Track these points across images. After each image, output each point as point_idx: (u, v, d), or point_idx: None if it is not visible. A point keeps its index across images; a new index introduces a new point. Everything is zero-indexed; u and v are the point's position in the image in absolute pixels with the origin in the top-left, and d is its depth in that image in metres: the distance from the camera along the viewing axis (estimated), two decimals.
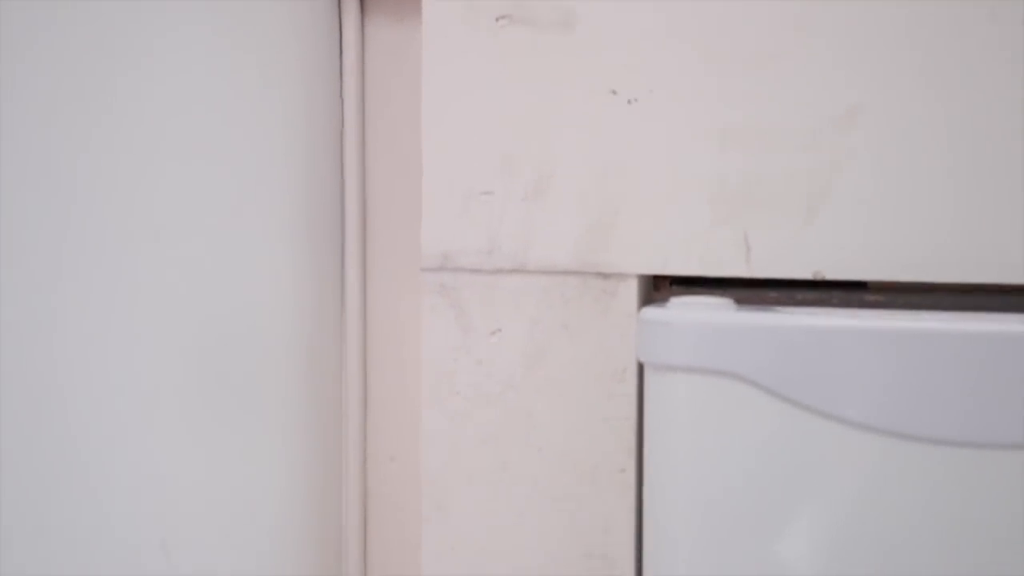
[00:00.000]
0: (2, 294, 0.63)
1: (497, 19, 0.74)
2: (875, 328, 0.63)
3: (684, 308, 0.67)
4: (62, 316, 0.67)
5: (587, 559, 0.74)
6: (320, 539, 0.86)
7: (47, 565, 0.67)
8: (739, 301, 0.69)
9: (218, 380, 0.78)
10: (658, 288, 0.79)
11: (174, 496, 0.75)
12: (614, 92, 0.72)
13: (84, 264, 0.68)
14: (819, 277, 0.70)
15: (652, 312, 0.68)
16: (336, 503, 0.86)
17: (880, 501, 0.64)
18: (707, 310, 0.66)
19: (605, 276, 0.73)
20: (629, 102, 0.72)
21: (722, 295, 0.70)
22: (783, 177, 0.70)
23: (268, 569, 0.82)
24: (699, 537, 0.68)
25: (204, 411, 0.76)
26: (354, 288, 0.84)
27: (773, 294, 0.74)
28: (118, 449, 0.71)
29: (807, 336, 0.64)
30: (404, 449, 0.85)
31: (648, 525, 0.71)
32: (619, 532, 0.74)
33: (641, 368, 0.72)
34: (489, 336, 0.75)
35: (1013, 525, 0.61)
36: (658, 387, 0.68)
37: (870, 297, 0.73)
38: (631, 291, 0.73)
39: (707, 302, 0.67)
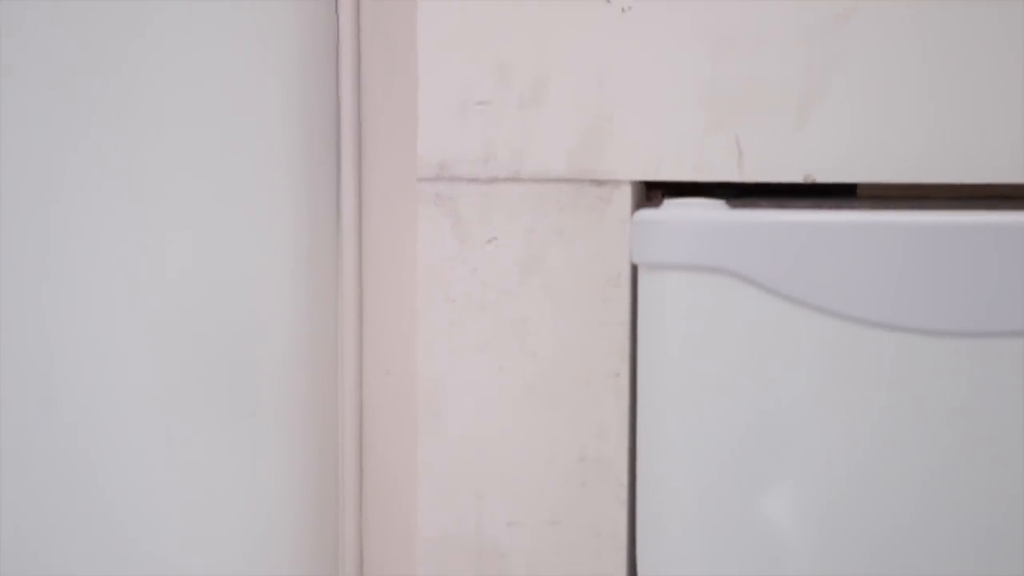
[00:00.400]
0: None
1: None
2: (868, 222, 0.64)
3: (678, 208, 0.68)
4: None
5: (582, 462, 0.76)
6: (317, 455, 0.87)
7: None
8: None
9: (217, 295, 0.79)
10: (651, 200, 0.80)
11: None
12: (608, 0, 0.73)
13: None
14: (810, 180, 0.71)
15: (646, 213, 0.69)
16: (332, 418, 0.87)
17: (876, 394, 0.65)
18: (701, 209, 0.68)
19: (600, 183, 0.74)
20: (623, 10, 0.73)
21: None
22: (775, 81, 0.71)
23: (265, 474, 0.84)
24: (693, 438, 0.69)
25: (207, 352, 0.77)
26: (349, 202, 0.84)
27: (764, 203, 0.75)
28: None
29: (801, 231, 0.65)
30: (399, 363, 0.86)
31: (642, 427, 0.72)
32: (613, 435, 0.75)
33: (635, 273, 0.74)
34: (485, 244, 0.76)
35: (1014, 412, 0.63)
36: (652, 288, 0.69)
37: (860, 204, 0.74)
38: (625, 197, 0.74)
39: (700, 203, 0.69)
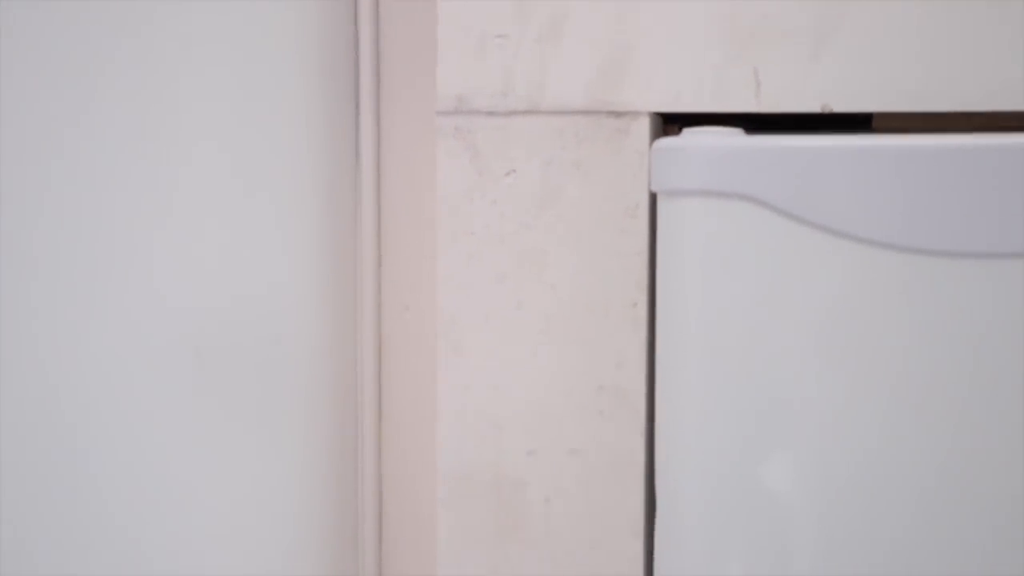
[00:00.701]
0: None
1: None
2: (881, 146, 0.65)
3: (696, 135, 0.69)
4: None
5: (599, 392, 0.77)
6: (337, 388, 0.88)
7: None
8: None
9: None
10: (668, 135, 0.81)
11: None
12: None
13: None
14: (827, 110, 0.72)
15: (666, 141, 0.70)
16: (352, 353, 0.88)
17: (889, 314, 0.66)
18: (719, 136, 0.68)
19: (618, 115, 0.75)
20: None
21: None
22: (792, 13, 0.72)
23: (286, 407, 0.85)
24: (711, 364, 0.70)
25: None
26: (368, 137, 0.85)
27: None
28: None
29: (816, 156, 0.66)
30: (418, 299, 0.87)
31: (661, 356, 0.73)
32: (631, 366, 0.76)
33: (653, 205, 0.74)
34: (503, 177, 0.77)
35: (1016, 331, 0.64)
36: (671, 215, 0.70)
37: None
38: (643, 129, 0.75)
39: (719, 131, 0.69)
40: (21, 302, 0.64)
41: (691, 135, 0.69)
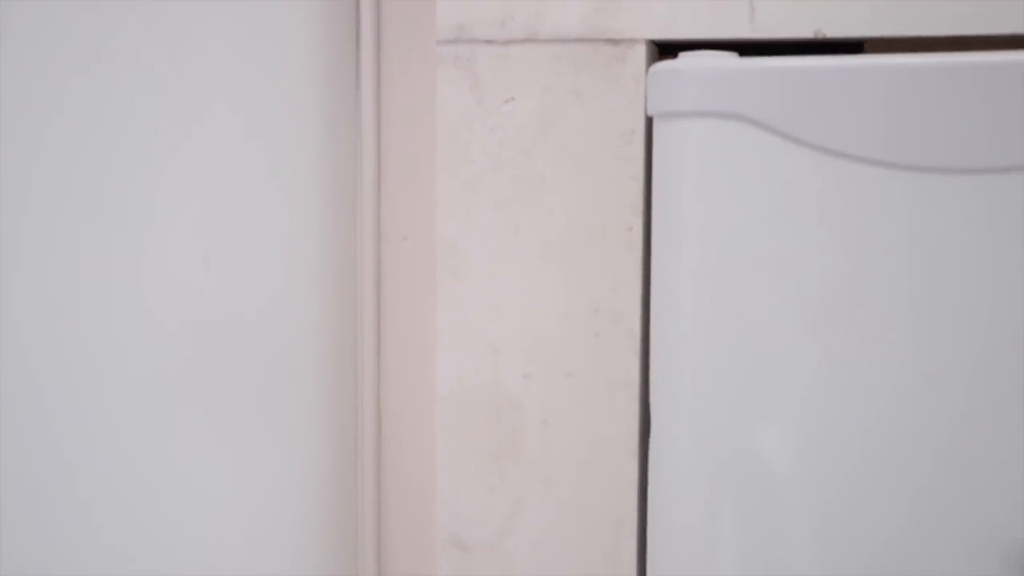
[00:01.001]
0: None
1: None
2: (872, 64, 0.67)
3: (692, 58, 0.70)
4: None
5: (595, 315, 0.79)
6: (337, 323, 0.89)
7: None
8: None
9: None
10: None
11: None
12: None
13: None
14: (820, 36, 0.73)
15: (662, 64, 0.71)
16: (352, 282, 0.89)
17: (888, 234, 0.67)
18: (715, 58, 0.70)
19: (614, 42, 0.76)
20: None
21: None
22: None
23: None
24: (705, 285, 0.71)
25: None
26: (368, 66, 0.86)
27: None
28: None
29: (811, 76, 0.67)
30: (417, 228, 0.88)
31: (655, 278, 0.75)
32: (627, 289, 0.78)
33: (649, 131, 0.76)
34: (502, 104, 0.78)
35: (1006, 246, 0.66)
36: (667, 138, 0.72)
37: None
38: (639, 56, 0.76)
39: (714, 54, 0.71)
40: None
41: (686, 58, 0.70)
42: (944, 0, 0.72)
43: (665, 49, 0.79)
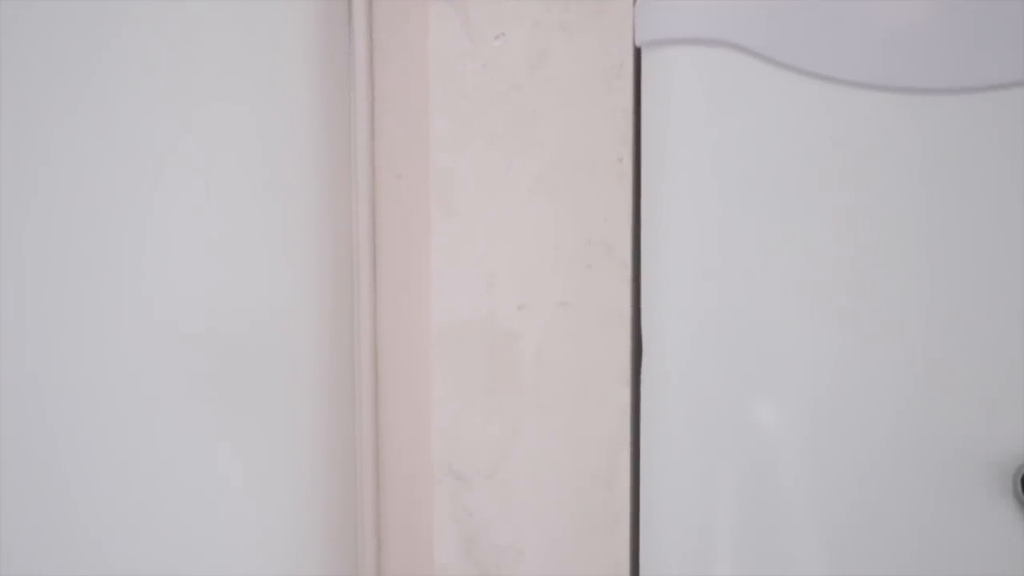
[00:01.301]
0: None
1: None
2: None
3: None
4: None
5: (587, 246, 0.80)
6: (332, 270, 0.90)
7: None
8: None
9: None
10: None
11: None
12: None
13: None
14: None
15: None
16: (346, 224, 0.90)
17: (882, 158, 0.69)
18: None
19: None
20: None
21: None
22: None
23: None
24: (694, 213, 0.73)
25: None
26: (360, 5, 0.87)
27: None
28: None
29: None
30: (410, 166, 0.89)
31: (645, 208, 0.76)
32: (617, 220, 0.80)
33: (638, 62, 0.77)
34: (493, 40, 0.80)
35: (997, 164, 0.67)
36: (655, 68, 0.73)
37: None
38: None
39: None
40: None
41: None
42: None
43: None
